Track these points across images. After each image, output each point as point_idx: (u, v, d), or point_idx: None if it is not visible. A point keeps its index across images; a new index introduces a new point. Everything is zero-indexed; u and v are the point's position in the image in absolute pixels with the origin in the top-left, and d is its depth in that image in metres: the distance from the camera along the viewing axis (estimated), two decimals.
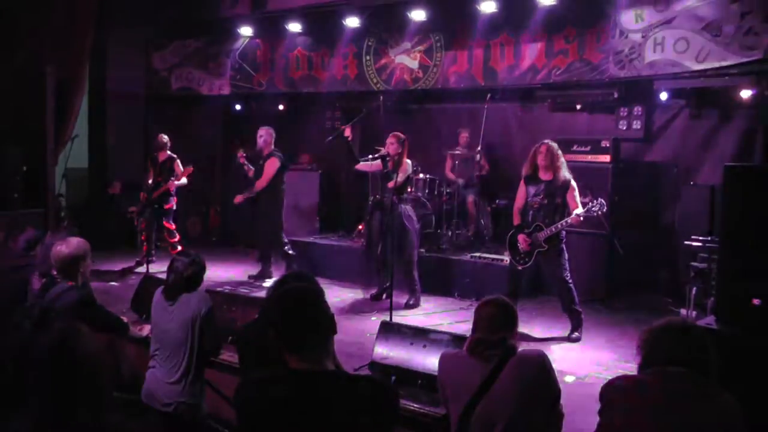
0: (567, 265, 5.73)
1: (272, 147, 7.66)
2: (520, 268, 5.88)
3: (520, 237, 5.79)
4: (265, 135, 7.63)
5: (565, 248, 5.76)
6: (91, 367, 2.11)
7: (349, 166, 9.78)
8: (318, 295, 2.19)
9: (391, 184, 6.67)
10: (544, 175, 5.73)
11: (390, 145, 6.74)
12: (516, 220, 5.94)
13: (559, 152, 5.77)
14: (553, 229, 5.58)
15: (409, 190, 7.25)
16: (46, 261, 3.92)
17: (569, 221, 5.55)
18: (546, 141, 5.87)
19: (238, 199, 7.76)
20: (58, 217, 8.87)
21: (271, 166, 7.49)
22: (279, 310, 2.10)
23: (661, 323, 2.38)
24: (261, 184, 7.49)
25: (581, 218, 5.53)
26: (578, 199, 5.67)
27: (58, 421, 2.01)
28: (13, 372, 3.33)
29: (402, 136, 6.87)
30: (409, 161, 6.83)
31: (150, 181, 8.40)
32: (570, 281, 5.71)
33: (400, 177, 6.62)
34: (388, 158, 6.69)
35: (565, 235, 5.79)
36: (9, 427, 2.19)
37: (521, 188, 5.94)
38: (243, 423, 2.05)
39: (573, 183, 5.68)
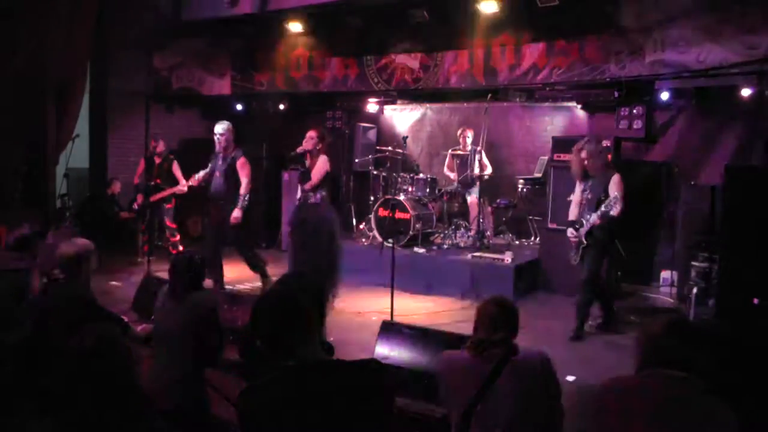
0: (596, 266, 5.74)
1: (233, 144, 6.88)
2: (573, 263, 5.94)
3: (568, 231, 5.90)
4: (226, 133, 6.81)
5: (603, 248, 5.77)
6: (128, 370, 2.12)
7: (348, 166, 9.84)
8: (295, 294, 2.21)
9: (307, 186, 6.38)
10: (591, 172, 5.82)
11: (309, 140, 6.38)
12: (570, 216, 6.01)
13: (598, 150, 5.81)
14: (588, 226, 5.66)
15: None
16: (48, 261, 3.92)
17: (590, 221, 5.62)
18: (583, 140, 5.94)
19: (239, 215, 6.67)
20: (61, 217, 8.89)
21: (247, 166, 6.78)
22: (262, 320, 2.12)
23: (660, 322, 2.35)
24: (248, 187, 6.73)
25: (598, 219, 5.59)
26: (621, 193, 5.61)
27: (91, 426, 2.02)
28: (12, 371, 3.34)
29: (322, 131, 6.57)
30: (325, 157, 6.46)
31: (137, 182, 8.43)
32: (588, 281, 5.74)
33: (316, 175, 6.35)
34: (305, 156, 6.36)
35: (607, 238, 5.76)
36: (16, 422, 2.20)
37: (576, 185, 6.02)
38: (249, 427, 2.05)
39: (616, 176, 5.68)
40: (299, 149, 6.39)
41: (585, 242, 5.73)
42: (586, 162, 5.80)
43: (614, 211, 5.55)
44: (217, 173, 6.80)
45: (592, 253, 5.74)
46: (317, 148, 6.37)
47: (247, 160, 6.81)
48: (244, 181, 6.71)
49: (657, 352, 2.26)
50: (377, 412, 2.08)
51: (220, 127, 6.81)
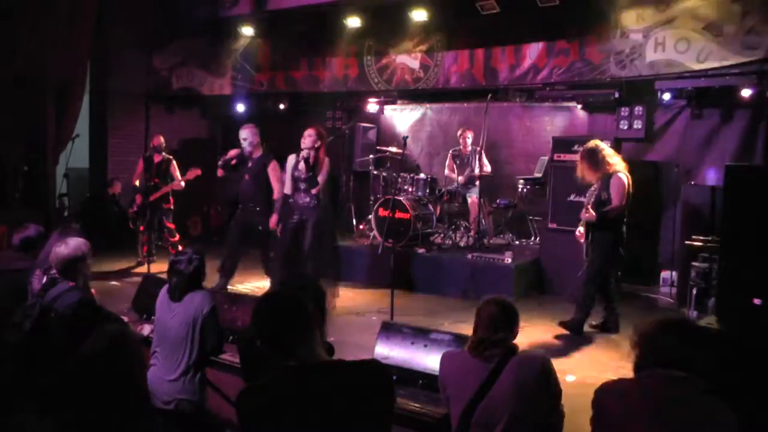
0: (598, 265, 5.76)
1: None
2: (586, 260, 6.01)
3: (578, 230, 5.99)
4: (251, 136, 6.75)
5: (605, 248, 5.76)
6: (138, 369, 2.13)
7: (349, 166, 9.84)
8: (296, 294, 2.20)
9: (314, 191, 6.31)
10: (583, 177, 5.89)
11: (308, 138, 6.31)
12: None
13: (601, 150, 5.81)
14: (582, 220, 5.80)
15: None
16: (49, 261, 3.92)
17: (581, 215, 5.75)
18: (588, 143, 5.95)
19: (276, 220, 6.64)
20: (60, 217, 8.88)
21: (278, 170, 6.73)
22: (263, 320, 2.11)
23: (656, 322, 2.33)
24: (281, 192, 6.68)
25: (587, 214, 5.66)
26: (618, 193, 5.65)
27: (98, 421, 2.02)
28: (12, 371, 3.34)
29: (322, 129, 6.48)
30: (328, 159, 6.41)
31: (137, 182, 8.46)
32: (591, 279, 5.77)
33: (322, 179, 6.31)
34: (308, 155, 6.25)
35: (611, 237, 5.79)
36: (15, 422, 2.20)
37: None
38: (249, 428, 2.04)
39: (616, 177, 5.68)
40: (303, 153, 6.31)
41: (585, 239, 5.83)
42: (585, 164, 5.84)
43: (608, 208, 5.60)
44: (246, 176, 6.78)
45: (594, 252, 5.79)
46: (316, 145, 6.34)
47: (278, 164, 6.81)
48: (277, 185, 6.70)
49: (654, 351, 2.24)
50: (378, 412, 2.08)
51: (245, 132, 6.76)
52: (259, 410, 1.99)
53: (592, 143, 5.92)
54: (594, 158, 5.78)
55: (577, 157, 6.03)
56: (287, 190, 6.56)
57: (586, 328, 5.90)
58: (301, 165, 6.38)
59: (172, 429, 3.64)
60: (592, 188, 5.93)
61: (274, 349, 2.06)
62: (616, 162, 5.82)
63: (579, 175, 5.90)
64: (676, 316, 2.44)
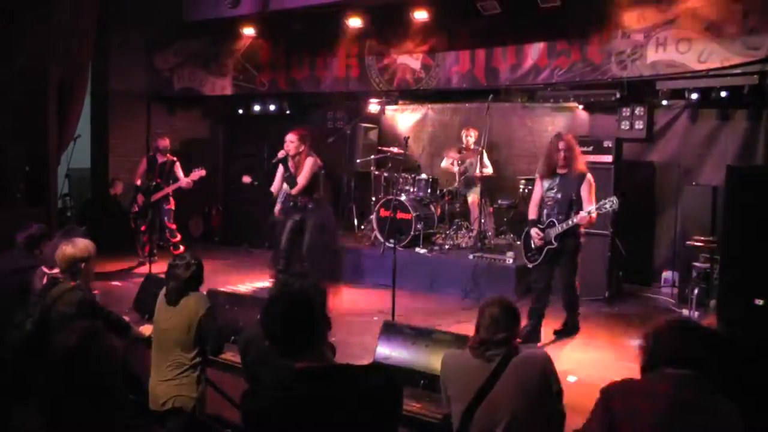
0: (573, 267, 5.55)
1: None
2: (530, 266, 5.72)
3: (533, 231, 5.57)
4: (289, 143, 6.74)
5: (579, 252, 5.53)
6: (110, 366, 2.12)
7: (350, 166, 9.84)
8: (308, 295, 2.20)
9: (294, 191, 6.31)
10: (560, 169, 5.49)
11: (288, 144, 6.33)
12: (531, 215, 5.72)
13: (576, 145, 5.58)
14: (564, 226, 5.34)
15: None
16: (52, 261, 3.93)
17: (575, 220, 5.27)
18: (562, 133, 5.75)
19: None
20: (64, 218, 8.88)
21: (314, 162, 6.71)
22: (273, 320, 2.10)
23: (667, 321, 2.32)
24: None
25: (592, 218, 5.27)
26: (593, 195, 5.38)
27: (72, 419, 2.02)
28: (13, 369, 3.34)
29: (304, 132, 6.47)
30: (311, 158, 6.38)
31: (139, 182, 8.47)
32: (577, 289, 5.65)
33: (302, 179, 6.31)
34: (288, 159, 6.30)
35: (584, 238, 5.57)
36: (15, 422, 2.20)
37: (537, 183, 5.72)
38: (253, 429, 2.04)
39: (589, 177, 5.45)
40: (280, 154, 6.34)
41: (554, 244, 5.44)
42: (563, 154, 5.43)
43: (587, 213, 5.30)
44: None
45: (568, 259, 5.50)
46: (300, 150, 6.33)
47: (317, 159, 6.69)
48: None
49: (664, 350, 2.23)
50: (385, 417, 2.07)
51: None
52: (264, 412, 1.99)
53: (569, 135, 5.68)
54: (574, 149, 5.51)
55: (558, 141, 5.55)
56: (282, 195, 6.58)
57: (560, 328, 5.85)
58: (283, 168, 6.40)
59: (169, 429, 3.64)
60: (547, 184, 5.56)
61: (283, 349, 2.05)
62: (582, 162, 5.58)
63: (555, 163, 5.47)
64: (684, 317, 2.44)
